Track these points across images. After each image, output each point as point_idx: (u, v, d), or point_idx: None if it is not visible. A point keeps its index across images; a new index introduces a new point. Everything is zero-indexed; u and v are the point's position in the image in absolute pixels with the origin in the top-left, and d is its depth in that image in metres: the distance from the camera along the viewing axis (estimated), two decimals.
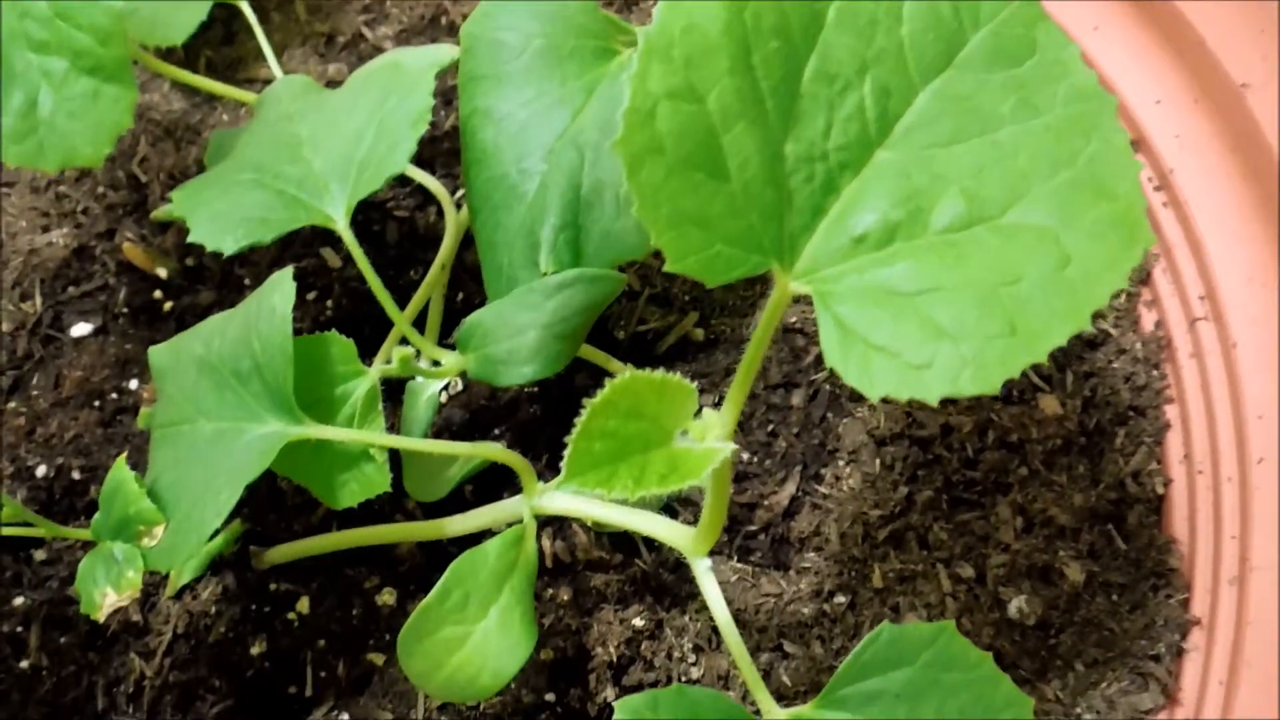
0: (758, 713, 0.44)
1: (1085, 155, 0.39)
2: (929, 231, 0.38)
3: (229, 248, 0.52)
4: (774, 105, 0.37)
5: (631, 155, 0.34)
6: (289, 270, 0.49)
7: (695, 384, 0.63)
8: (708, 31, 0.36)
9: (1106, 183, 0.38)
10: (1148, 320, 0.62)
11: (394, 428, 0.61)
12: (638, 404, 0.37)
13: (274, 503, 0.61)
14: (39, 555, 0.61)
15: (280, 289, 0.48)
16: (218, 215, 0.54)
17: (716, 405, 0.63)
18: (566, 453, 0.36)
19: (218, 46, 0.82)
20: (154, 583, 0.58)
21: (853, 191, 0.39)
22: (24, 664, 0.58)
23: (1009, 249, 0.37)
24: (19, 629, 0.59)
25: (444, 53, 0.69)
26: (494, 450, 0.51)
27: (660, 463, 0.36)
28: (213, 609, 0.58)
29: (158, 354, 0.54)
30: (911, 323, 0.35)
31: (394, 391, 0.61)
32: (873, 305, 0.36)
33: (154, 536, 0.46)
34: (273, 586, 0.59)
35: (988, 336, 0.35)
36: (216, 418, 0.49)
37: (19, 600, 0.60)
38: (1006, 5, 0.42)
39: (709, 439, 0.38)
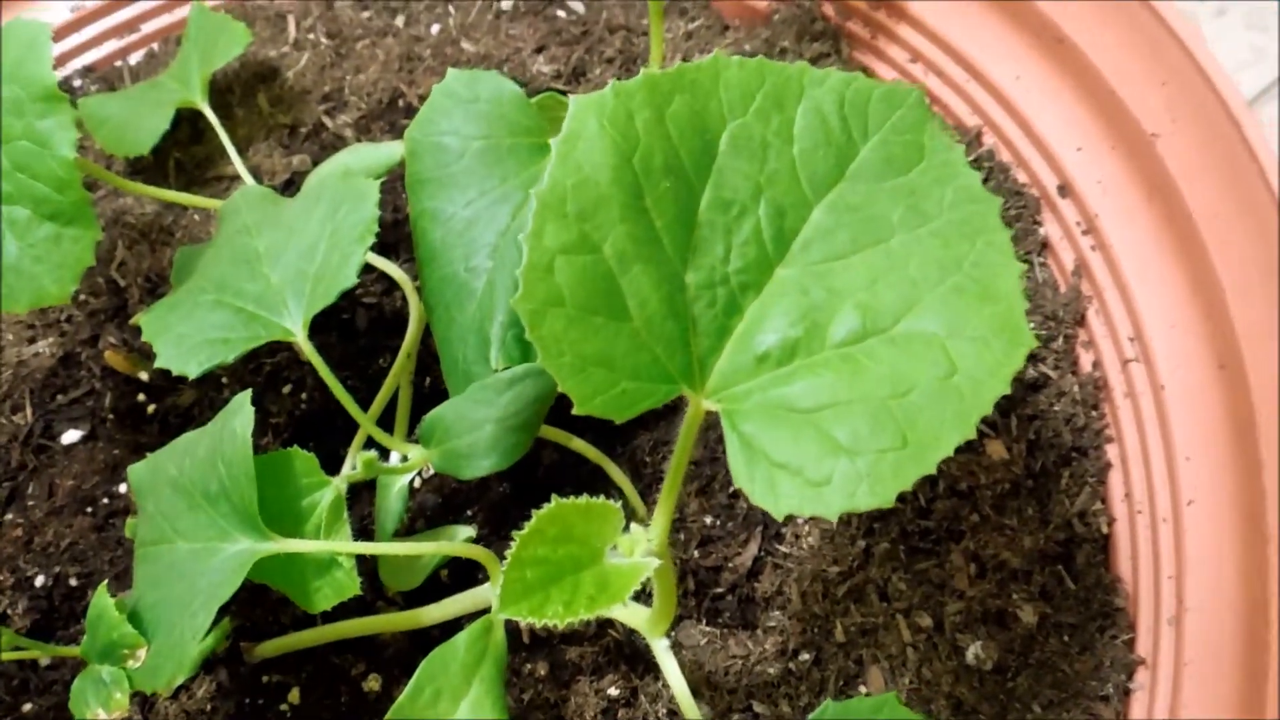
0: None
1: (970, 259, 0.41)
2: (826, 346, 0.40)
3: (193, 371, 0.55)
4: (670, 241, 0.40)
5: (532, 310, 0.37)
6: (248, 394, 0.52)
7: (658, 451, 0.66)
8: (598, 182, 0.38)
9: (990, 285, 0.40)
10: (1085, 361, 0.64)
11: (369, 517, 0.64)
12: (566, 529, 0.39)
13: (262, 598, 0.64)
14: (44, 661, 0.64)
15: (241, 414, 0.51)
16: (182, 339, 0.57)
17: None
18: (500, 584, 0.38)
19: (186, 146, 0.85)
20: None
21: (755, 311, 0.41)
22: None
23: (900, 360, 0.39)
24: None
25: (395, 151, 0.73)
26: (457, 546, 0.54)
27: (590, 584, 0.39)
28: (208, 706, 0.61)
29: (136, 473, 0.57)
30: (810, 439, 0.38)
31: (370, 481, 0.64)
32: (775, 423, 0.39)
33: (138, 658, 0.49)
34: (265, 679, 0.62)
35: (880, 450, 0.37)
36: (191, 538, 0.52)
37: (27, 706, 0.63)
38: (894, 112, 0.44)
39: (637, 554, 0.41)
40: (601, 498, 0.40)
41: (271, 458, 0.54)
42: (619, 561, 0.41)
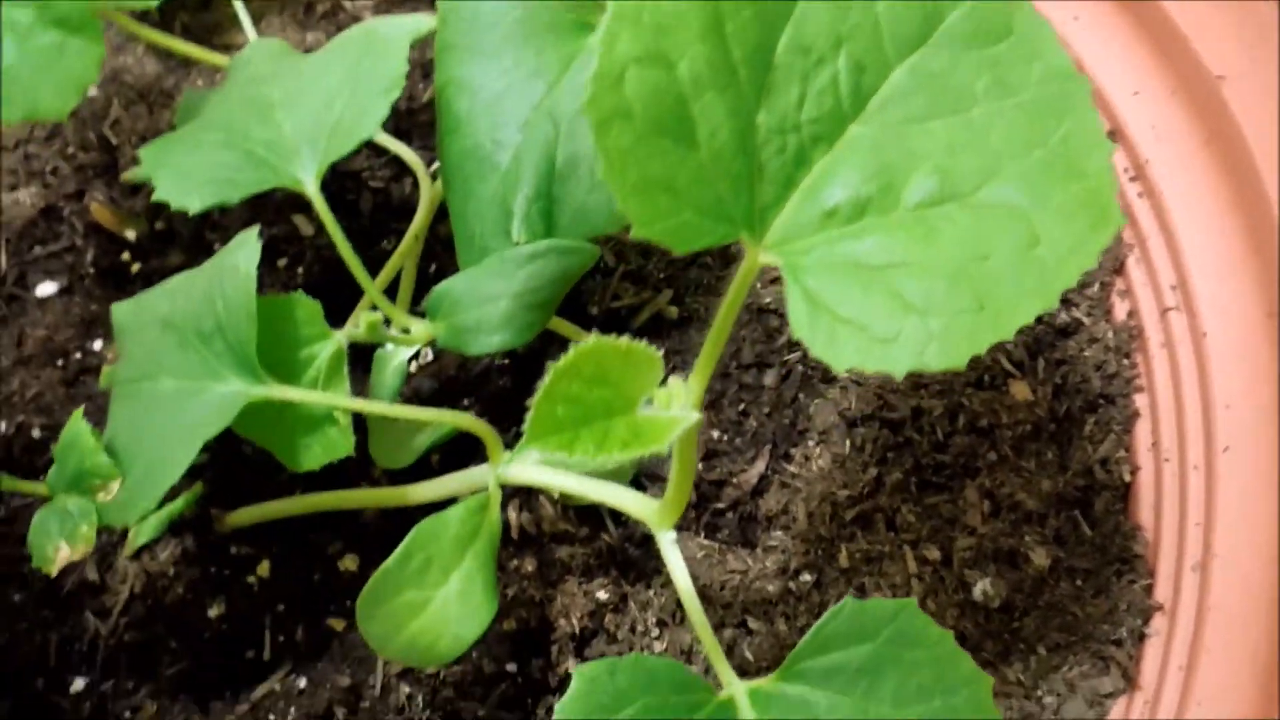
0: (719, 686, 0.44)
1: (1058, 135, 0.38)
2: (900, 207, 0.37)
3: (195, 206, 0.52)
4: (746, 75, 0.37)
5: (599, 119, 0.34)
6: (255, 229, 0.49)
7: (669, 360, 0.64)
8: None
9: (1078, 163, 0.38)
10: (1120, 310, 0.62)
11: (361, 395, 0.61)
12: (602, 370, 0.37)
13: (237, 466, 0.60)
14: None
15: (245, 248, 0.48)
16: (184, 174, 0.53)
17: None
18: (529, 415, 0.35)
19: (194, 11, 0.81)
20: (112, 542, 0.57)
21: (825, 165, 0.38)
22: None
23: (979, 227, 0.37)
24: None
25: (422, 22, 0.69)
26: (461, 418, 0.51)
27: (623, 429, 0.36)
28: (171, 570, 0.57)
29: (120, 310, 0.53)
30: (879, 296, 0.35)
31: (363, 360, 0.61)
32: (841, 278, 0.36)
33: (110, 491, 0.46)
34: (233, 549, 0.58)
35: (955, 312, 0.35)
36: (178, 376, 0.49)
37: None
38: None
39: (674, 408, 0.38)
40: (644, 341, 0.37)
41: (272, 301, 0.50)
42: (654, 413, 0.38)
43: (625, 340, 0.37)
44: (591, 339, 0.36)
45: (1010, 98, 0.40)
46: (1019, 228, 0.37)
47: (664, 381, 0.39)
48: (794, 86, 0.38)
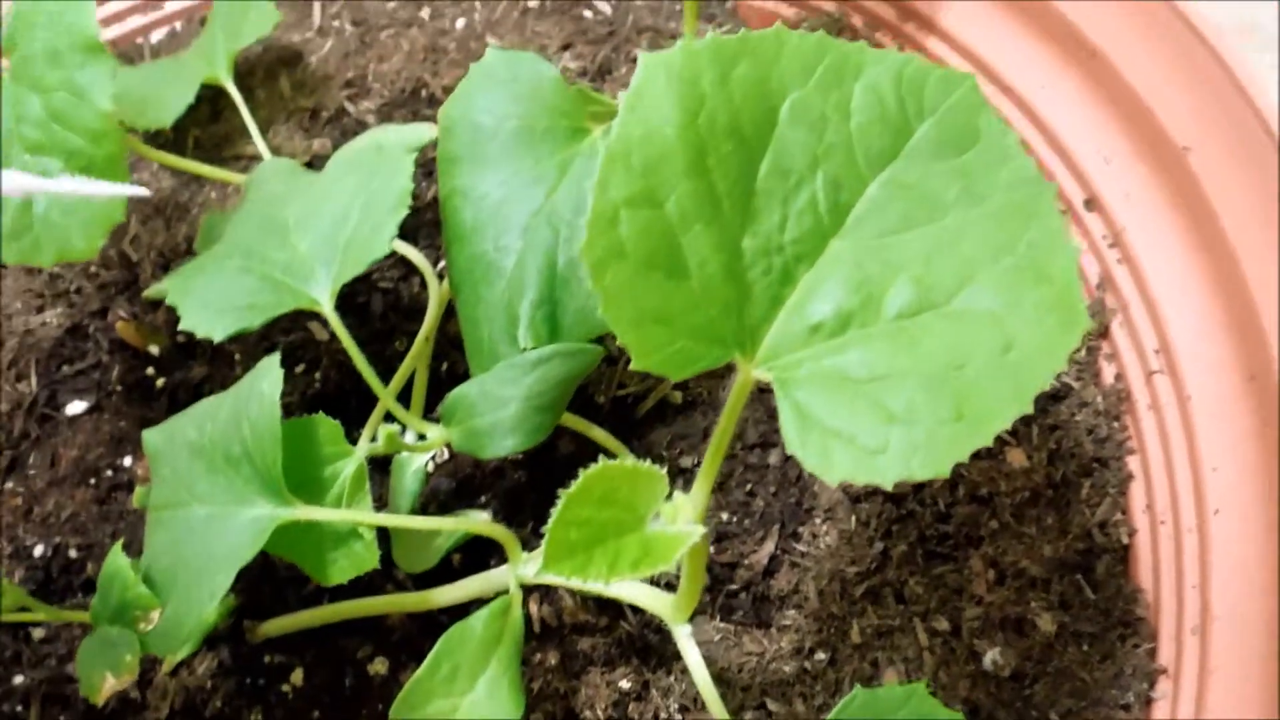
0: None
1: (1025, 241, 0.41)
2: (881, 319, 0.40)
3: (219, 335, 0.54)
4: (730, 204, 0.40)
5: (595, 260, 0.36)
6: (277, 357, 0.51)
7: (675, 445, 0.66)
8: (665, 137, 0.38)
9: (1045, 267, 0.40)
10: (1108, 373, 0.64)
11: (382, 499, 0.63)
12: (610, 491, 0.39)
13: (267, 576, 0.62)
14: (38, 634, 0.63)
15: (269, 375, 0.50)
16: (207, 303, 0.56)
17: (696, 465, 0.66)
18: (544, 542, 0.38)
19: (205, 125, 0.85)
20: (151, 659, 0.59)
21: (809, 281, 0.41)
22: None
23: (956, 334, 0.39)
24: (19, 708, 0.60)
25: (424, 132, 0.72)
26: (478, 524, 0.53)
27: (634, 548, 0.38)
28: (209, 683, 0.59)
29: (151, 437, 0.56)
30: (865, 408, 0.37)
31: (382, 462, 0.63)
32: (829, 391, 0.38)
33: (150, 621, 0.48)
34: (267, 659, 0.60)
35: (937, 422, 0.37)
36: (209, 501, 0.51)
37: (18, 679, 0.61)
38: (950, 95, 0.44)
39: (680, 521, 0.40)
40: (647, 462, 0.40)
41: (295, 424, 0.53)
42: (662, 528, 0.40)
43: (630, 462, 0.40)
44: (600, 463, 0.38)
45: (979, 205, 0.42)
46: (993, 334, 0.39)
47: (670, 495, 0.41)
48: (776, 209, 0.41)
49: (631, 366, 0.36)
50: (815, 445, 0.37)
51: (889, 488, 0.36)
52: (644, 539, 0.39)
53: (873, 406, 0.37)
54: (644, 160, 0.38)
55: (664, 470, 0.40)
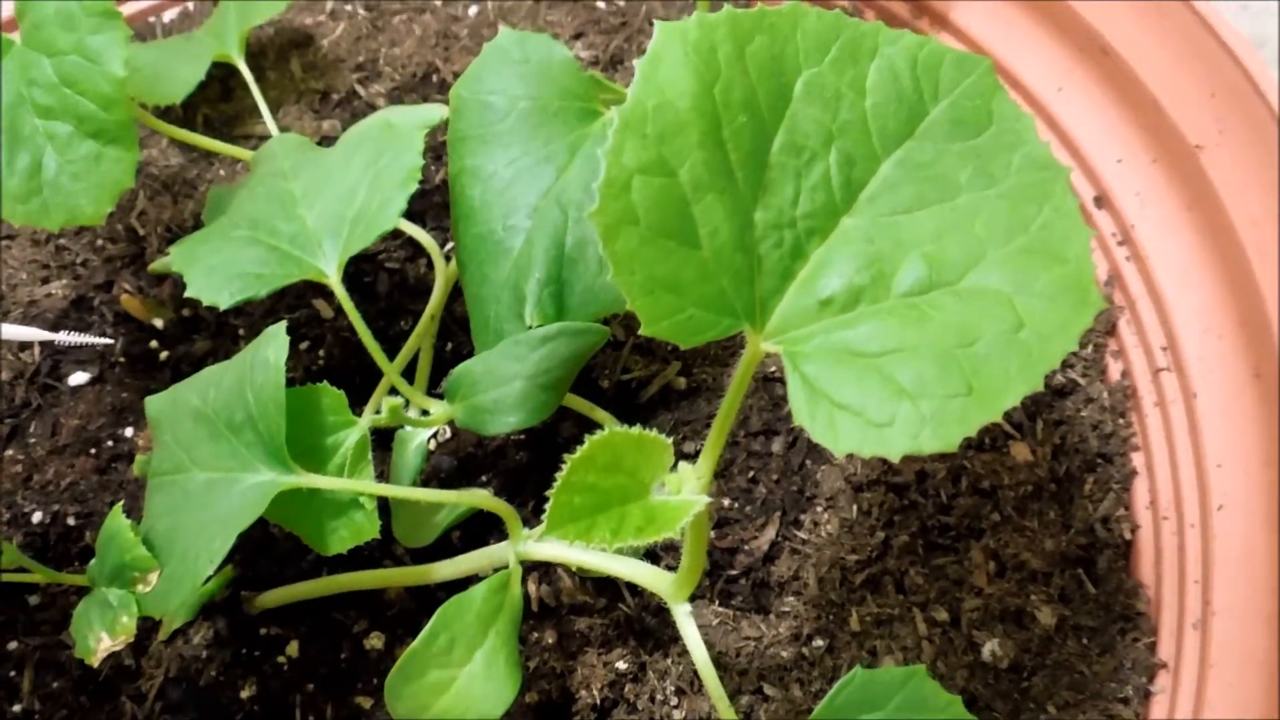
0: None
1: (1038, 222, 0.41)
2: (891, 295, 0.40)
3: (224, 302, 0.54)
4: (743, 176, 0.39)
5: (606, 225, 0.36)
6: (283, 324, 0.51)
7: (679, 431, 0.66)
8: (678, 108, 0.38)
9: (1058, 248, 0.40)
10: (1114, 370, 0.64)
11: (383, 475, 0.63)
12: (616, 458, 0.39)
13: (265, 548, 0.62)
14: (33, 600, 0.62)
15: (275, 342, 0.50)
16: (213, 270, 0.56)
17: (699, 451, 0.65)
18: (548, 506, 0.38)
19: (215, 103, 0.85)
20: (146, 628, 0.59)
21: (820, 256, 0.41)
22: (17, 708, 0.59)
23: (967, 312, 0.39)
24: (12, 673, 0.60)
25: (434, 112, 0.72)
26: (480, 498, 0.53)
27: (638, 515, 0.38)
28: (204, 653, 0.59)
29: (154, 404, 0.55)
30: (874, 382, 0.37)
31: (384, 440, 0.63)
32: (838, 365, 0.38)
33: (148, 583, 0.48)
34: (263, 630, 0.60)
35: (946, 396, 0.37)
36: (210, 467, 0.51)
37: (13, 645, 0.61)
38: (965, 78, 0.44)
39: (685, 491, 0.40)
40: (654, 430, 0.40)
41: (299, 392, 0.53)
42: (666, 498, 0.40)
43: (637, 429, 0.39)
44: (607, 428, 0.38)
45: (992, 186, 0.42)
46: (1004, 312, 0.39)
47: (675, 465, 0.41)
48: (789, 183, 0.41)
49: (641, 332, 0.36)
50: (823, 417, 0.37)
51: (896, 459, 0.36)
52: (648, 507, 0.39)
53: (882, 380, 0.37)
54: (658, 128, 0.38)
55: (671, 441, 0.40)
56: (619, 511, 0.38)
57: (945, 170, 0.43)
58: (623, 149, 0.37)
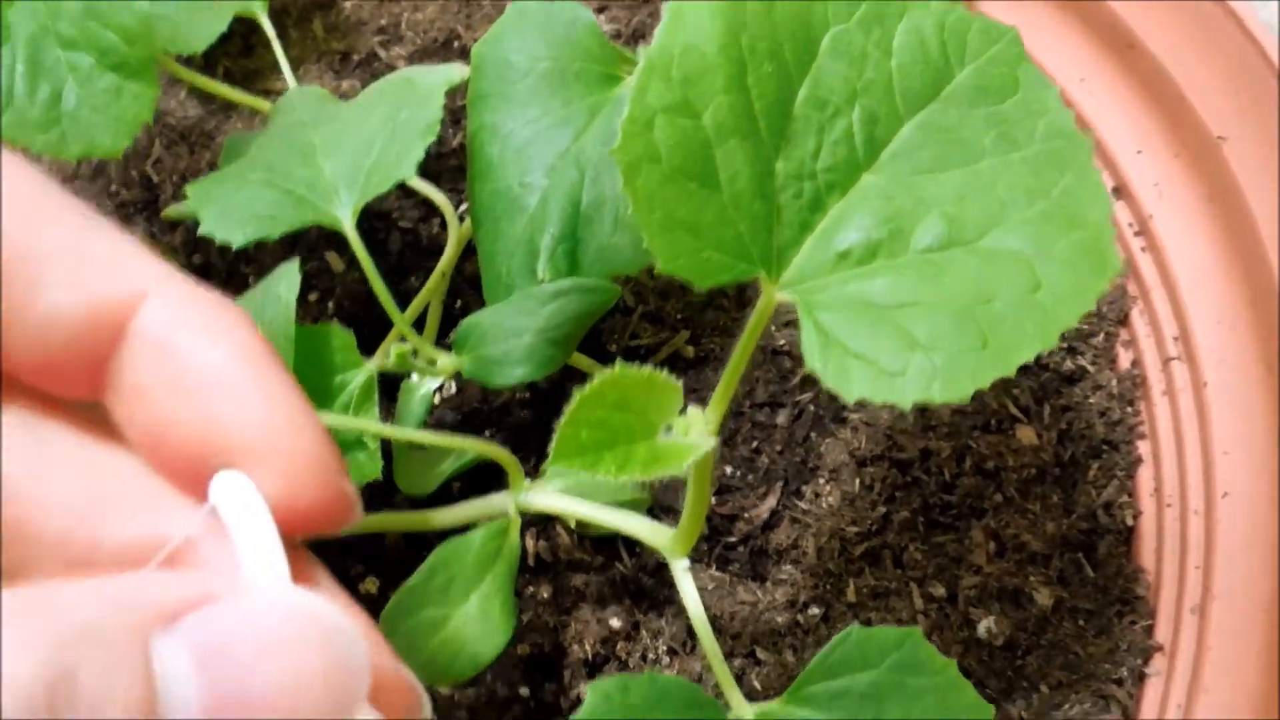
0: (727, 709, 0.45)
1: (1059, 188, 0.41)
2: (909, 250, 0.40)
3: (238, 241, 0.54)
4: (766, 124, 0.39)
5: (628, 162, 0.36)
6: (295, 261, 0.51)
7: (685, 399, 0.65)
8: (705, 52, 0.38)
9: (1078, 214, 0.40)
10: (1124, 359, 0.64)
11: (388, 424, 0.63)
12: (625, 397, 0.39)
13: None
14: None
15: (286, 278, 0.50)
16: (228, 210, 0.56)
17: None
18: (555, 438, 0.38)
19: (236, 58, 0.85)
20: None
21: (839, 210, 0.41)
22: None
23: (984, 271, 0.39)
24: None
25: (455, 71, 0.72)
26: (485, 445, 0.53)
27: (644, 452, 0.38)
28: None
29: None
30: (888, 333, 0.37)
31: (389, 391, 0.63)
32: (853, 315, 0.38)
33: None
34: None
35: (960, 349, 0.37)
36: None
37: None
38: (992, 45, 0.44)
39: (692, 434, 0.40)
40: (665, 371, 0.40)
41: (309, 331, 0.53)
42: (674, 438, 0.40)
43: (648, 369, 0.39)
44: (615, 368, 0.38)
45: (1015, 152, 0.42)
46: (1022, 273, 0.39)
47: (683, 411, 0.41)
48: (811, 137, 0.41)
49: (657, 270, 0.36)
50: (835, 364, 0.37)
51: (907, 408, 0.36)
52: (655, 446, 0.39)
53: (896, 332, 0.37)
54: (684, 72, 0.38)
55: (681, 384, 0.40)
56: (625, 448, 0.38)
57: (968, 134, 0.43)
58: (647, 89, 0.37)
